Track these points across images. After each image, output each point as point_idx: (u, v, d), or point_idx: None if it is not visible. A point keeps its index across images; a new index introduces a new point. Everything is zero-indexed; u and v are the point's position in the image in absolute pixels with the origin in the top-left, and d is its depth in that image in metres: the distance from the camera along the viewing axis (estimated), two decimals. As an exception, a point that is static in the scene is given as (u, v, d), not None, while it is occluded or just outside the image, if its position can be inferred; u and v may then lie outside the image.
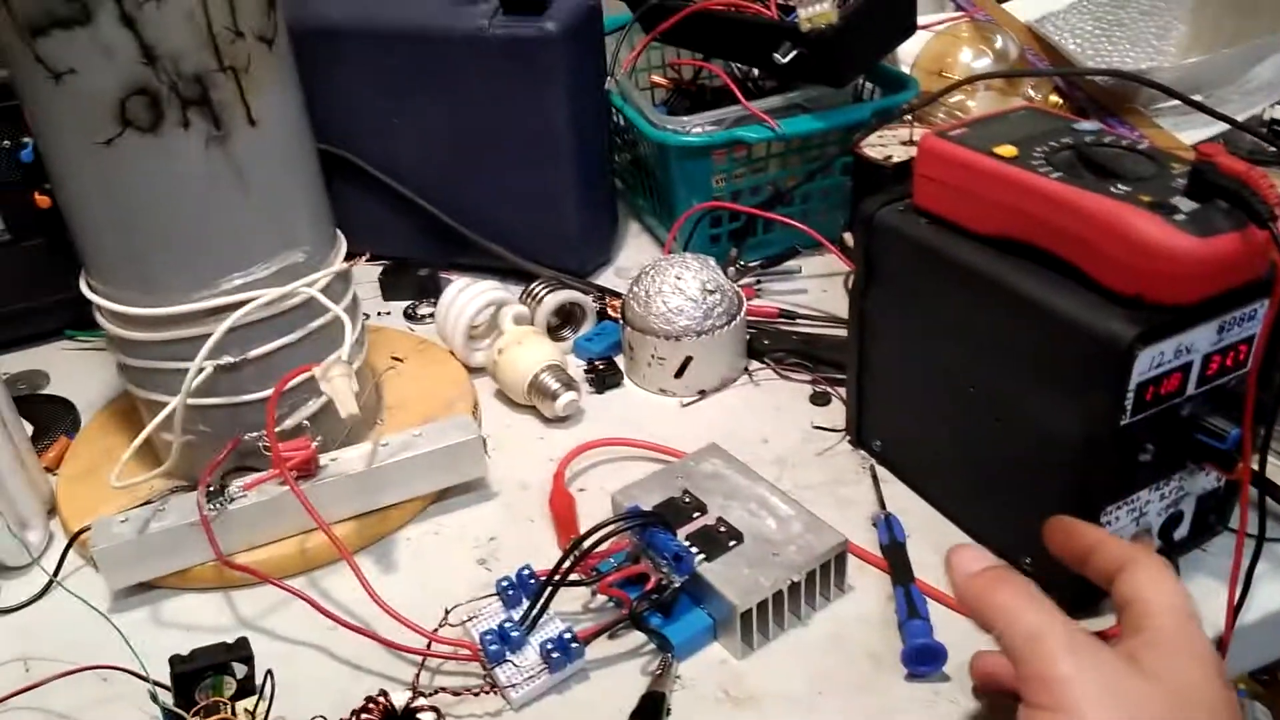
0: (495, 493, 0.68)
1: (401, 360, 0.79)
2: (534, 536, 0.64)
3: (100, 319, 0.62)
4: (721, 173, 0.85)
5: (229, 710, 0.51)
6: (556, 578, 0.54)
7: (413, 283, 0.90)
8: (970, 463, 0.58)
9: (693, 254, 0.76)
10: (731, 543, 0.55)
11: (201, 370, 0.58)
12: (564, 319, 0.83)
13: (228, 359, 0.60)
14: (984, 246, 0.54)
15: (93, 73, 0.51)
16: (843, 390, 0.72)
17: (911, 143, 0.79)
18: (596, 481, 0.67)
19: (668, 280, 0.74)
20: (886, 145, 0.79)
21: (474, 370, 0.79)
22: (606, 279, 0.91)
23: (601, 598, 0.56)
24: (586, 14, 0.81)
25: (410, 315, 0.88)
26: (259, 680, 0.53)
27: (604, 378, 0.77)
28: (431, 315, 0.88)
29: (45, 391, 0.80)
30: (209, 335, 0.59)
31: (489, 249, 0.88)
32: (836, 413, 0.72)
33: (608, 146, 0.91)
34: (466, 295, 0.78)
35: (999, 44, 0.92)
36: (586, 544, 0.54)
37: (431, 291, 0.90)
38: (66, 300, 0.83)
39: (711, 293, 0.73)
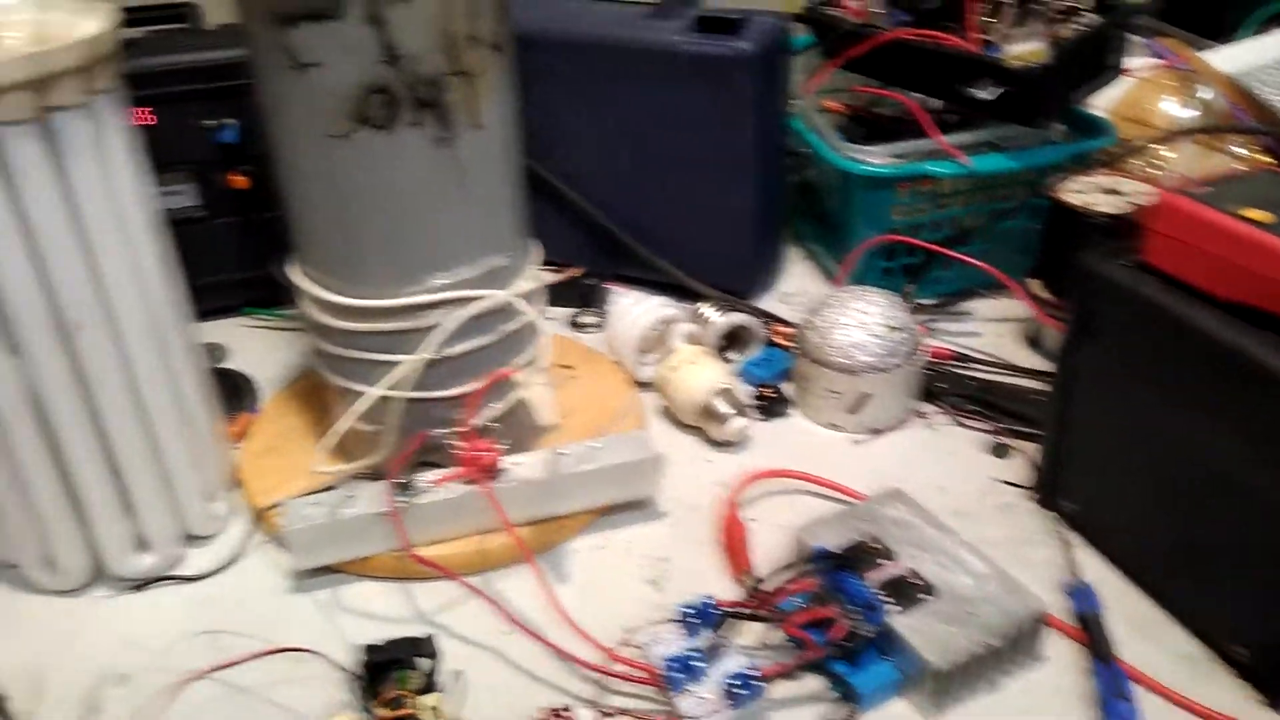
0: (663, 513, 0.67)
1: (572, 369, 0.79)
2: (704, 562, 0.63)
3: (304, 305, 0.63)
4: (902, 205, 0.84)
5: (412, 704, 0.51)
6: (744, 611, 0.53)
7: (577, 291, 0.90)
8: (1186, 539, 0.55)
9: (876, 288, 0.74)
10: (924, 596, 0.53)
11: (408, 363, 0.59)
12: (730, 341, 0.82)
13: (424, 356, 0.61)
14: (1225, 313, 0.51)
15: (336, 67, 0.52)
16: (1026, 444, 0.70)
17: (1115, 191, 0.75)
18: (767, 513, 0.66)
19: (850, 313, 0.72)
20: (1086, 192, 0.76)
21: (638, 384, 0.78)
22: (768, 303, 0.90)
23: (779, 635, 0.55)
24: (778, 36, 0.80)
25: (575, 324, 0.88)
26: (441, 677, 0.53)
27: (772, 406, 0.75)
28: (594, 325, 0.88)
29: (224, 365, 0.82)
30: (411, 330, 0.60)
31: (657, 265, 0.87)
32: (1018, 467, 0.69)
33: (785, 170, 0.90)
34: (640, 309, 0.78)
35: (1204, 95, 0.88)
36: (775, 581, 0.53)
37: (594, 301, 0.90)
38: (248, 278, 0.87)
39: (895, 330, 0.71)
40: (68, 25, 0.51)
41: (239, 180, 0.82)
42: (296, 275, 0.63)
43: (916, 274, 0.84)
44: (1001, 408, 0.73)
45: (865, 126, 0.96)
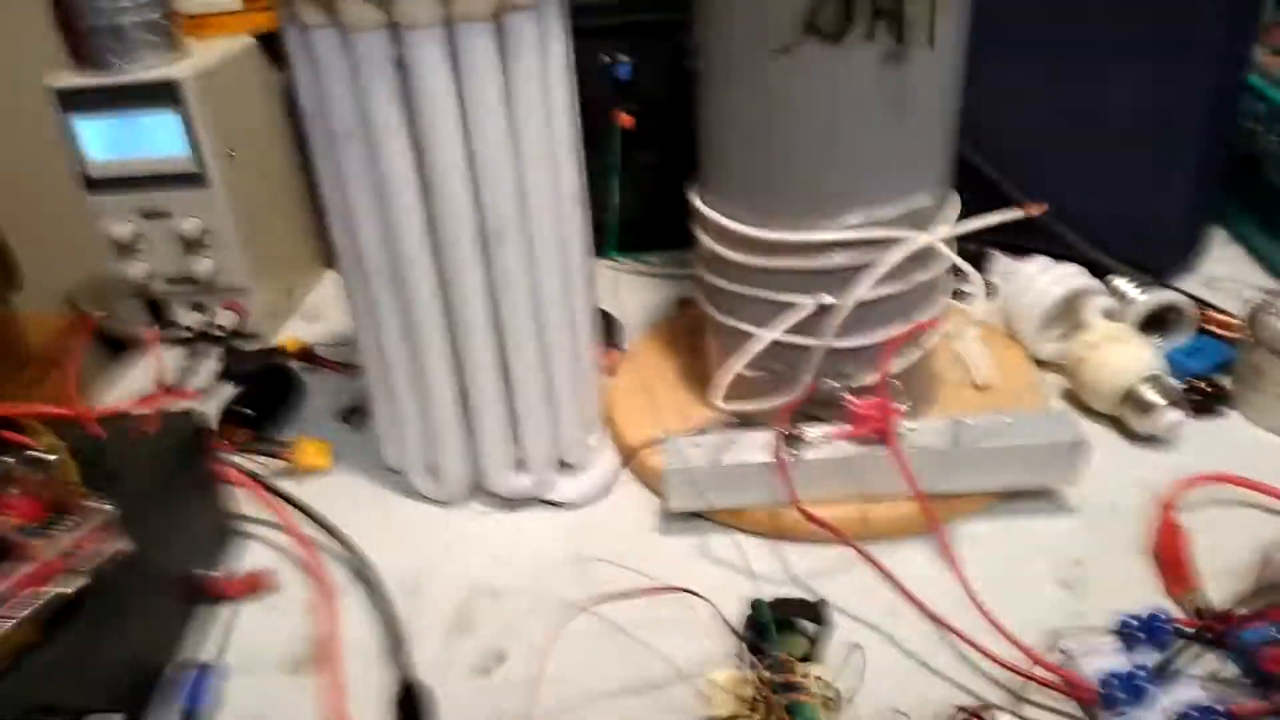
0: (1075, 508, 0.58)
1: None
2: (1127, 571, 0.53)
3: (704, 237, 0.60)
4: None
5: (801, 672, 0.46)
6: (1206, 635, 0.44)
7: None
8: None
9: (1368, 273, 0.61)
10: None
11: (810, 305, 0.55)
12: (1151, 325, 0.70)
13: (828, 299, 0.56)
14: None
15: (794, -31, 0.47)
16: None
17: None
18: (1210, 524, 0.55)
19: (1335, 300, 0.59)
20: None
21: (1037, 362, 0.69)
22: (1191, 286, 0.77)
23: (1234, 669, 0.45)
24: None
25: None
26: (830, 649, 0.48)
27: (1208, 401, 0.64)
28: (972, 292, 0.80)
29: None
30: (818, 270, 0.55)
31: (1062, 233, 0.77)
32: None
33: (1232, 135, 0.76)
34: (1049, 278, 0.69)
35: None
36: (1236, 606, 0.43)
37: (976, 267, 0.82)
38: (620, 220, 0.86)
39: (1396, 325, 0.58)
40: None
41: (626, 119, 0.81)
42: (701, 205, 0.59)
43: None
44: None
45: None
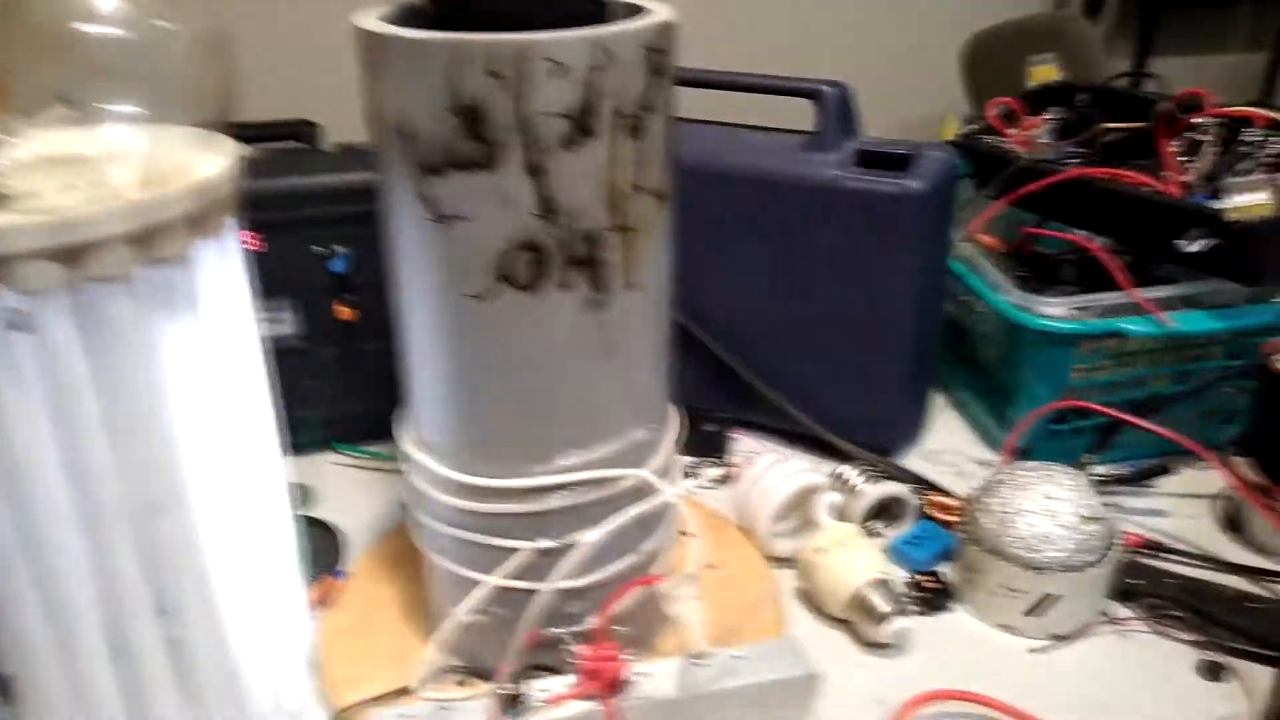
0: (813, 735, 0.56)
1: (692, 535, 0.69)
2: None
3: (413, 478, 0.55)
4: (1082, 364, 0.73)
5: None
6: None
7: (696, 438, 0.81)
8: None
9: (1063, 467, 0.64)
10: None
11: (525, 552, 0.51)
12: (877, 511, 0.71)
13: (546, 543, 0.52)
14: None
15: (482, 221, 0.44)
16: (1244, 663, 0.58)
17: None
18: (941, 744, 0.55)
19: (1034, 498, 0.61)
20: (1310, 364, 0.65)
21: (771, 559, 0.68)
22: (913, 461, 0.80)
23: None
24: (948, 173, 0.72)
25: (691, 475, 0.79)
26: None
27: (934, 597, 0.65)
28: (717, 481, 0.79)
29: (308, 513, 0.74)
30: (534, 513, 0.51)
31: (791, 414, 0.78)
32: (1233, 693, 0.57)
33: (940, 316, 0.80)
34: (777, 475, 0.69)
35: None
36: None
37: (715, 450, 0.81)
38: (344, 414, 0.80)
39: (1089, 521, 0.61)
40: (184, 162, 0.45)
41: (345, 312, 0.75)
42: (407, 444, 0.55)
43: (1100, 443, 0.73)
44: (1212, 616, 0.62)
45: (1026, 265, 0.86)
